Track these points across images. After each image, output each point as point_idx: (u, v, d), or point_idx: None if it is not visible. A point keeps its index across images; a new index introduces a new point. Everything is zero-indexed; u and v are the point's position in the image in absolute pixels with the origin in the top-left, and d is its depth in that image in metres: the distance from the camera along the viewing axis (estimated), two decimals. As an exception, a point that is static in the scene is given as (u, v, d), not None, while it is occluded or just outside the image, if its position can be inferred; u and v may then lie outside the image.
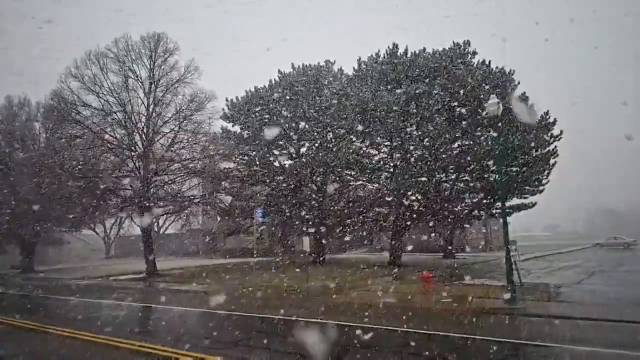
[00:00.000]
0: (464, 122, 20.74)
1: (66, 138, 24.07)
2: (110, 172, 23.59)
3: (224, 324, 10.39)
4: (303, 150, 27.00)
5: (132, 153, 23.46)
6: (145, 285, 19.89)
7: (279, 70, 27.63)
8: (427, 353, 7.12)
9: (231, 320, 10.69)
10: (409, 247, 30.04)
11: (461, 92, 19.54)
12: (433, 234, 30.69)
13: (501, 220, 14.12)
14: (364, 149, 23.02)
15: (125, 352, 7.57)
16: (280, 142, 26.95)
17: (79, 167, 22.81)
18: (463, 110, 20.16)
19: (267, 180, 26.90)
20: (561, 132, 21.88)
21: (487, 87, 19.65)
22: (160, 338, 8.53)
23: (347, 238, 32.52)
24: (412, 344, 7.68)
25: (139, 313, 13.23)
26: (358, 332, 8.14)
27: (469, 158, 20.62)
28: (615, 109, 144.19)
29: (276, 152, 27.49)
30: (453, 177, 22.57)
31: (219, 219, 34.88)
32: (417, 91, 20.29)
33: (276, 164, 27.71)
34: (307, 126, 25.96)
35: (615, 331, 8.61)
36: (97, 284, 21.44)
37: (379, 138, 21.99)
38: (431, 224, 24.52)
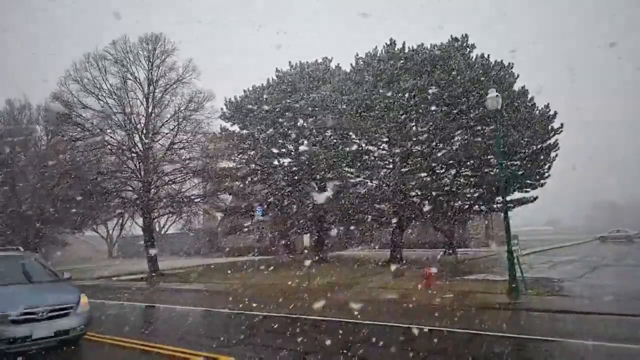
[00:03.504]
0: (463, 117, 20.69)
1: (67, 140, 24.06)
2: (111, 173, 23.62)
3: (229, 323, 10.43)
4: (302, 147, 26.99)
5: (132, 154, 23.50)
6: (149, 285, 19.94)
7: (276, 69, 27.65)
8: (429, 349, 7.13)
9: (235, 320, 10.72)
10: (410, 244, 30.03)
11: (460, 86, 19.48)
12: (434, 230, 30.66)
13: (502, 214, 14.11)
14: (363, 145, 23.01)
15: (132, 352, 7.58)
16: (279, 140, 26.95)
17: (80, 169, 22.82)
18: (462, 105, 20.10)
19: (267, 179, 26.88)
20: (562, 125, 21.80)
21: (486, 80, 19.58)
22: (169, 337, 8.52)
23: (347, 235, 32.56)
24: (414, 340, 7.69)
25: (145, 313, 13.28)
26: (359, 329, 8.15)
27: (468, 152, 20.59)
28: (615, 103, 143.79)
29: (275, 151, 27.50)
30: (453, 172, 22.52)
31: (219, 218, 35.00)
32: (416, 86, 20.23)
33: (275, 162, 27.72)
34: (305, 124, 25.95)
35: (618, 325, 8.61)
36: (100, 285, 21.49)
37: (377, 134, 21.94)
38: (432, 219, 24.51)
